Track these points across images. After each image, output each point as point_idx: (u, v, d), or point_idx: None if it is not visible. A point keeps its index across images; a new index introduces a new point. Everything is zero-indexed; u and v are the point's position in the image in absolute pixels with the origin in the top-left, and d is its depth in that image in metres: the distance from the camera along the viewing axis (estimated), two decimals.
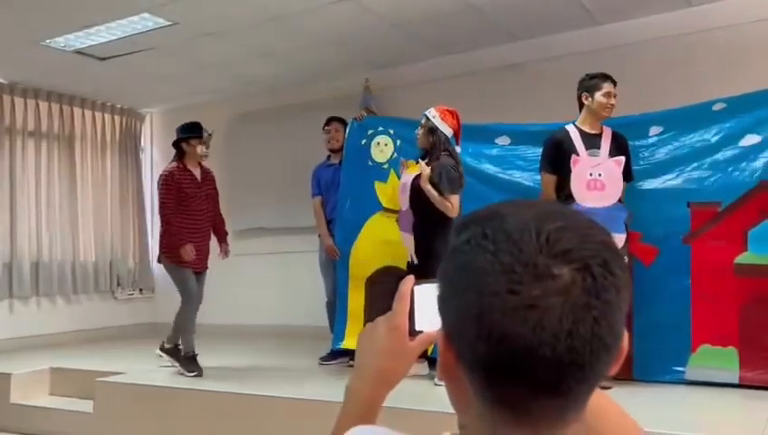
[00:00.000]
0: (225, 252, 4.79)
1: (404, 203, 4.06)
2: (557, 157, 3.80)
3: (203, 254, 4.63)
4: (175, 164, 4.58)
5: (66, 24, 4.93)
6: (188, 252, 4.41)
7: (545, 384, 0.55)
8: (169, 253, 4.53)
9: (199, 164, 4.68)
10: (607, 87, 3.77)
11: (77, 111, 6.95)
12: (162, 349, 4.67)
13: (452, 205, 3.79)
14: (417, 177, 3.89)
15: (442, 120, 3.92)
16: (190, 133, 4.58)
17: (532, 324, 0.53)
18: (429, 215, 3.81)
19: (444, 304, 0.61)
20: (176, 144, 4.62)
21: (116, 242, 7.16)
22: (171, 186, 4.49)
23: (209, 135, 4.68)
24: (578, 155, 3.75)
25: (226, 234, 4.85)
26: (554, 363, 0.54)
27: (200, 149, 4.59)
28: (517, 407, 0.57)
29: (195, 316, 4.56)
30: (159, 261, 4.70)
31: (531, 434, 0.58)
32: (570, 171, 3.75)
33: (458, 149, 4.00)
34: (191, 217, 4.56)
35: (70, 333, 6.57)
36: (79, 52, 5.51)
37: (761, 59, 4.34)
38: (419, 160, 4.01)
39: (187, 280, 4.52)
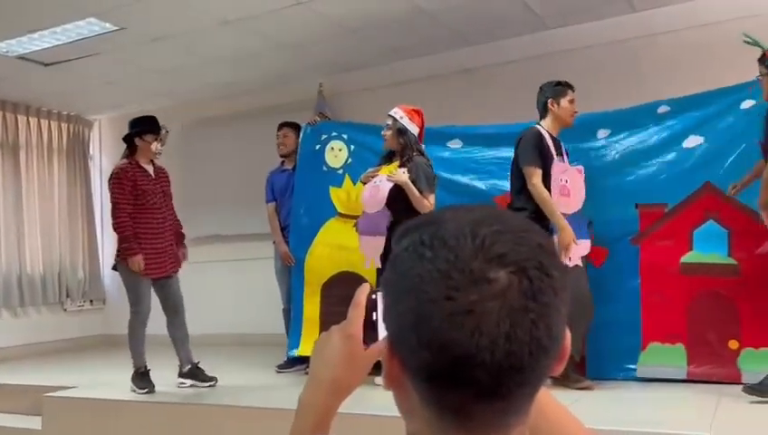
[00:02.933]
0: (183, 256, 4.47)
1: (374, 205, 3.93)
2: (542, 152, 3.73)
3: (166, 257, 4.28)
4: (126, 160, 4.24)
5: (8, 28, 4.78)
6: (137, 264, 4.06)
7: (486, 389, 0.55)
8: (124, 256, 4.17)
9: (152, 161, 4.35)
10: (571, 94, 3.85)
11: (21, 118, 6.75)
12: (181, 374, 4.34)
13: (429, 203, 3.74)
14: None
15: (410, 120, 3.88)
16: (145, 128, 4.26)
17: (470, 330, 0.54)
18: (401, 218, 3.70)
19: (387, 312, 0.61)
20: (128, 138, 4.28)
21: (64, 252, 6.97)
22: (125, 183, 4.13)
23: (167, 132, 4.37)
24: (555, 159, 3.77)
25: (183, 236, 4.51)
26: (494, 368, 0.54)
27: (155, 146, 4.26)
28: (460, 412, 0.57)
29: (144, 328, 4.23)
30: (115, 268, 4.31)
31: None
32: (545, 175, 3.73)
33: (423, 146, 3.98)
34: (151, 215, 4.23)
35: (16, 348, 6.36)
36: (22, 57, 5.35)
37: (702, 62, 4.48)
38: (386, 163, 3.98)
39: (138, 287, 4.17)
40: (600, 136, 4.17)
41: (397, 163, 3.89)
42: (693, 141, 3.93)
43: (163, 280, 4.30)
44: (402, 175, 3.74)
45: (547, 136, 3.81)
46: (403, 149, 3.88)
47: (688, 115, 3.97)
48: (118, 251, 4.26)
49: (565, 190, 3.76)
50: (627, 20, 4.94)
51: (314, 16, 4.73)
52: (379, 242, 3.87)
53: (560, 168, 3.78)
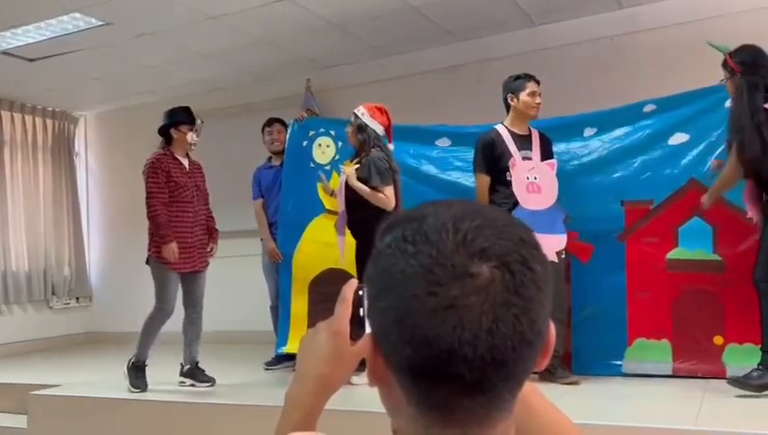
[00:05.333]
0: (211, 251, 4.38)
1: (341, 205, 4.00)
2: (492, 157, 3.82)
3: (195, 253, 4.22)
4: (161, 151, 4.20)
5: None
6: (171, 251, 3.98)
7: (470, 383, 0.55)
8: (153, 248, 4.11)
9: (187, 155, 4.30)
10: (531, 86, 3.84)
11: (5, 114, 6.68)
12: (181, 374, 4.28)
13: (386, 196, 3.72)
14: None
15: (371, 117, 3.87)
16: (181, 119, 4.21)
17: (453, 325, 0.54)
18: (364, 214, 3.72)
19: (370, 308, 0.61)
20: (164, 130, 4.22)
21: (50, 249, 6.91)
22: (159, 173, 4.07)
23: (202, 122, 4.31)
24: (513, 157, 3.80)
25: (216, 232, 4.42)
26: (477, 362, 0.54)
27: (191, 136, 4.20)
28: (445, 408, 0.58)
29: (161, 327, 4.17)
30: (147, 262, 4.20)
31: (460, 434, 0.58)
32: (502, 173, 3.79)
33: (391, 146, 3.95)
34: (183, 209, 4.16)
35: (1, 346, 6.29)
36: (6, 53, 5.30)
37: (688, 59, 4.51)
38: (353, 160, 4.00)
39: (166, 283, 4.11)
40: (586, 134, 4.19)
41: (356, 161, 3.90)
42: (678, 138, 3.95)
43: (192, 275, 4.25)
44: (349, 171, 3.77)
45: (506, 134, 3.85)
46: (362, 145, 3.87)
47: (674, 113, 3.99)
48: (150, 245, 4.18)
49: (534, 187, 3.77)
50: (613, 17, 4.96)
51: (301, 12, 4.72)
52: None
53: (523, 166, 3.80)
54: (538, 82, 3.86)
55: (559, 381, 3.55)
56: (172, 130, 4.22)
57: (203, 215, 4.34)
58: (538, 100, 3.84)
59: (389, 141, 3.95)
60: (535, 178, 3.78)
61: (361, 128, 3.86)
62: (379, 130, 3.88)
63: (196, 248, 4.24)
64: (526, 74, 3.87)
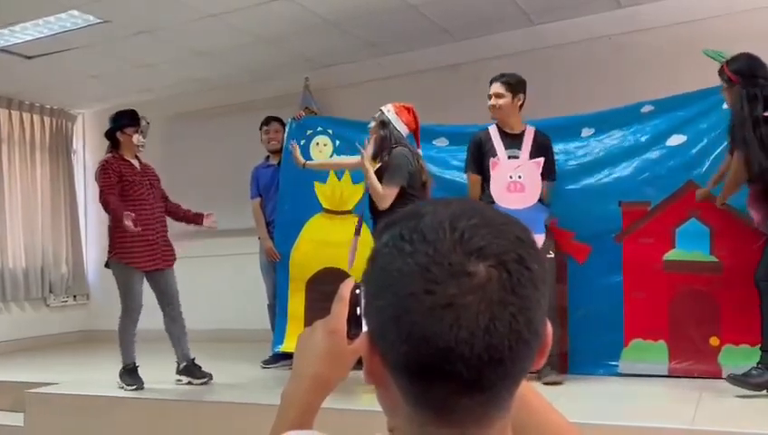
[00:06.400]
0: (211, 221, 4.46)
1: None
2: (479, 157, 3.86)
3: (158, 250, 4.22)
4: (110, 154, 4.22)
5: None
6: (129, 221, 3.90)
7: (467, 382, 0.55)
8: (114, 249, 4.12)
9: (137, 157, 4.32)
10: (491, 88, 3.87)
11: (3, 111, 6.67)
12: (178, 371, 4.29)
13: (385, 195, 3.54)
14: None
15: (396, 114, 3.74)
16: (125, 122, 4.22)
17: (449, 323, 0.54)
18: (378, 215, 3.64)
19: (367, 307, 0.61)
20: (110, 134, 4.26)
21: (47, 247, 6.90)
22: (110, 173, 4.10)
23: (147, 124, 4.32)
24: (496, 157, 3.81)
25: (198, 214, 4.49)
26: (474, 361, 0.54)
27: (136, 138, 4.21)
28: (442, 407, 0.58)
29: (135, 326, 4.18)
30: (107, 265, 4.23)
31: (458, 434, 0.58)
32: (488, 171, 3.81)
33: (420, 151, 3.83)
34: (140, 206, 4.15)
35: None
36: (3, 50, 5.29)
37: (686, 60, 4.51)
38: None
39: (130, 283, 4.11)
40: (584, 135, 4.19)
41: (377, 160, 3.85)
42: (676, 140, 3.96)
43: (157, 273, 4.24)
44: (367, 157, 3.64)
45: (495, 134, 3.86)
46: (382, 141, 3.74)
47: (672, 114, 4.00)
48: (110, 248, 4.19)
49: (517, 186, 3.77)
50: (612, 16, 4.96)
51: (299, 10, 4.71)
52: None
53: (508, 165, 3.80)
54: (506, 84, 3.84)
55: (541, 380, 3.52)
56: (118, 134, 4.25)
57: (161, 211, 4.35)
58: (494, 101, 3.84)
59: (418, 145, 3.83)
60: (519, 177, 3.79)
61: (384, 124, 3.73)
62: (403, 129, 3.73)
63: (158, 245, 4.24)
64: (492, 78, 3.89)
